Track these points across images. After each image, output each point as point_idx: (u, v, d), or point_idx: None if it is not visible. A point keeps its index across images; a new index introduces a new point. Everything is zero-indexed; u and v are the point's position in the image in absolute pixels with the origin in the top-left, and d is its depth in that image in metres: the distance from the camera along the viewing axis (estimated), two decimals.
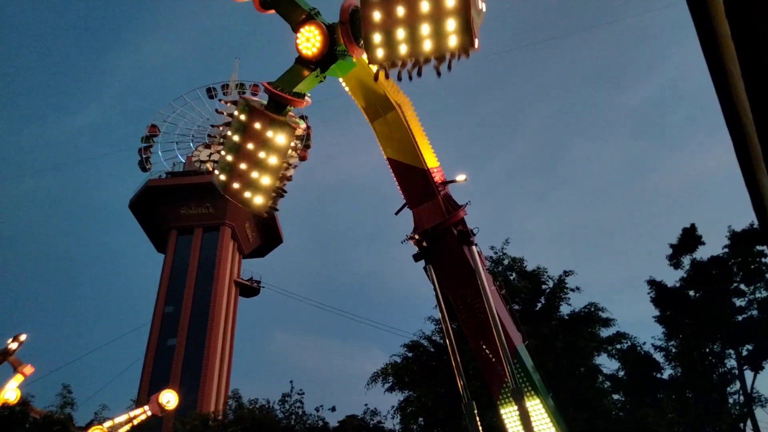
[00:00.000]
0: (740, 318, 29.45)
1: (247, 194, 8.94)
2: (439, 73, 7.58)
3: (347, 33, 8.62)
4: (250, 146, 8.90)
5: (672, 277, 31.45)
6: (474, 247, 10.12)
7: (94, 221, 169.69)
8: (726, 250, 30.22)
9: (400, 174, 10.36)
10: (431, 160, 10.46)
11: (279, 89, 9.23)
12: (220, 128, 11.28)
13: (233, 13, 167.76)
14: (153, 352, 51.68)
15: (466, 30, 7.20)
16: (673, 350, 30.16)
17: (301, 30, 9.07)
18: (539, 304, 27.58)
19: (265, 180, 8.97)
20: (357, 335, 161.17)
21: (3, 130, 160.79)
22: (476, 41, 7.32)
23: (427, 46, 7.43)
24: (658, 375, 29.77)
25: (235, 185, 9.00)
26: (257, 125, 8.98)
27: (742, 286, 29.93)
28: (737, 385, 28.79)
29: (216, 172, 9.28)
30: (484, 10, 7.54)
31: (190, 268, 55.73)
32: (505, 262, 27.99)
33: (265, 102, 9.24)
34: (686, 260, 30.88)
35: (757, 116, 2.16)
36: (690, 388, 28.45)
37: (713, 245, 31.17)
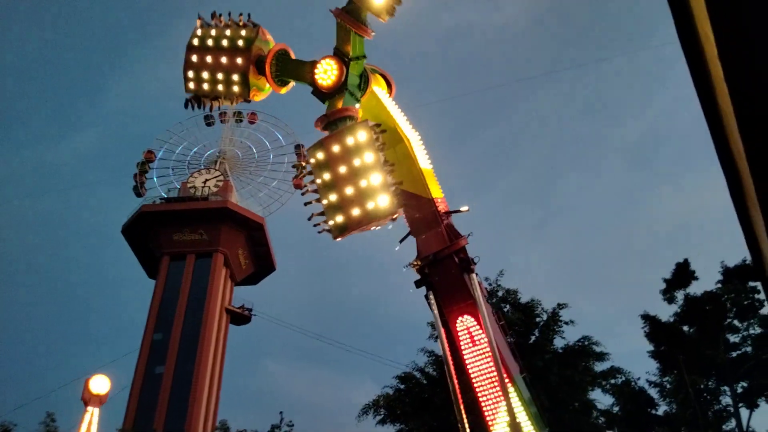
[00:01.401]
0: (734, 354, 29.35)
1: (370, 205, 8.82)
2: None
3: (346, 19, 9.52)
4: (342, 170, 8.93)
5: (666, 311, 31.44)
6: (474, 275, 10.24)
7: (87, 246, 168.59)
8: (719, 285, 30.29)
9: (405, 202, 10.56)
10: (436, 191, 10.73)
11: (333, 110, 9.50)
12: (305, 188, 10.69)
13: None
14: (140, 379, 50.69)
15: None
16: (668, 386, 29.91)
17: (316, 72, 9.69)
18: (533, 337, 27.39)
19: (376, 179, 8.81)
20: (348, 365, 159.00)
21: None
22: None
23: None
24: (653, 411, 29.45)
25: (355, 212, 8.95)
26: (335, 149, 8.98)
27: (736, 322, 29.91)
28: (733, 423, 28.50)
29: (329, 224, 9.23)
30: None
31: (181, 294, 55.16)
32: (500, 293, 27.90)
33: (326, 132, 9.45)
34: (680, 295, 30.91)
35: (750, 153, 2.22)
36: (685, 425, 28.13)
37: (707, 280, 31.27)
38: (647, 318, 31.10)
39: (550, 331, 27.16)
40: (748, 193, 2.51)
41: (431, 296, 10.43)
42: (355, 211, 9.05)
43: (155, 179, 63.53)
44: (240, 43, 10.21)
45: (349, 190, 9.08)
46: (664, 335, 30.25)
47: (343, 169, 9.10)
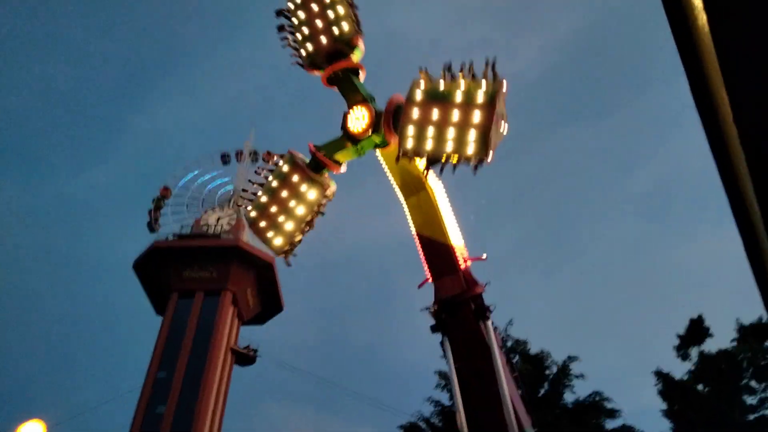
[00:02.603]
0: (752, 417, 28.32)
1: (270, 234, 10.78)
2: (453, 170, 9.18)
3: (389, 121, 9.97)
4: (284, 194, 10.72)
5: (679, 367, 30.59)
6: (490, 323, 10.23)
7: (97, 280, 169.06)
8: (734, 343, 29.54)
9: (426, 248, 10.93)
10: (456, 238, 10.96)
11: (322, 153, 10.66)
12: (262, 172, 12.58)
13: (252, 83, 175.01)
14: (141, 419, 49.68)
15: (484, 142, 8.46)
16: None
17: (354, 108, 10.40)
18: (542, 390, 26.74)
19: (289, 225, 10.71)
20: (352, 410, 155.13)
21: (18, 186, 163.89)
22: (491, 154, 8.50)
23: (449, 147, 8.82)
24: None
25: (262, 224, 10.83)
26: (295, 178, 10.81)
27: (753, 383, 28.99)
28: None
29: (248, 208, 11.07)
30: (506, 132, 8.79)
31: (187, 332, 54.67)
32: (509, 344, 27.45)
33: (308, 160, 10.87)
34: (694, 352, 30.16)
35: (765, 213, 2.24)
36: None
37: (721, 336, 30.50)
38: (660, 375, 30.27)
39: (560, 385, 26.53)
40: (764, 252, 2.52)
41: (446, 343, 10.43)
42: (262, 224, 10.71)
43: (170, 215, 64.25)
44: (335, 30, 10.87)
45: (273, 209, 10.64)
46: (678, 394, 29.34)
47: (284, 194, 10.61)
